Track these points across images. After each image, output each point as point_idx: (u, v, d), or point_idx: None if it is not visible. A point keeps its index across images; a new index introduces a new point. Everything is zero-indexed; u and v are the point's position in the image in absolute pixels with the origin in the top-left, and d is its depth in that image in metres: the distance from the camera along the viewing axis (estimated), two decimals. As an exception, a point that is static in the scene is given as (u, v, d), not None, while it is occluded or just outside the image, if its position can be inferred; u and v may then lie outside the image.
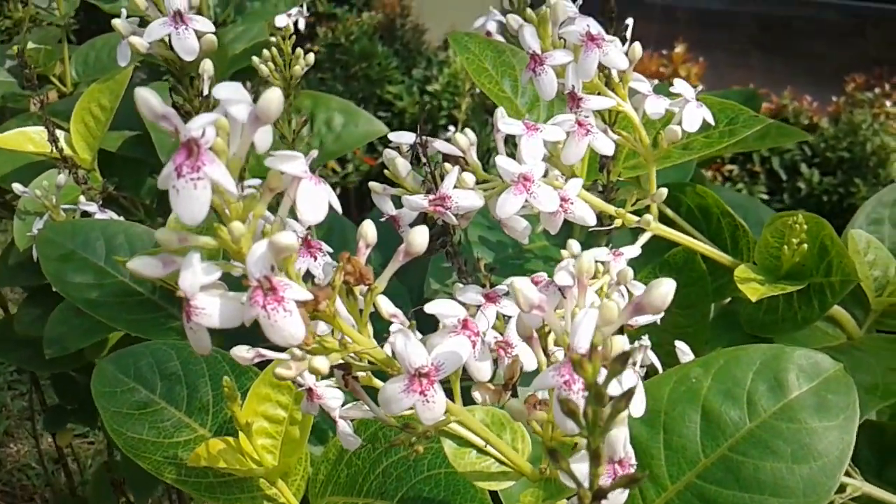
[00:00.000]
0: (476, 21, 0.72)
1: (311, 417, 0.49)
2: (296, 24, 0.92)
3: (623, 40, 0.48)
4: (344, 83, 2.69)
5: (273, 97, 0.25)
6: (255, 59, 0.54)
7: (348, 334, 0.30)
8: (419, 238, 0.30)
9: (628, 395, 0.21)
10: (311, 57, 0.56)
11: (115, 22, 0.46)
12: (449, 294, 0.54)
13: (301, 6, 0.90)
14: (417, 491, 0.44)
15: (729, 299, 0.59)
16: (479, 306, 0.42)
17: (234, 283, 0.29)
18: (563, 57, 0.45)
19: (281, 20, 0.88)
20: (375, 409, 0.33)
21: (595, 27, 0.45)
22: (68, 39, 0.97)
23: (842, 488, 0.52)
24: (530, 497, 0.36)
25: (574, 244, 0.48)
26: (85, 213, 0.65)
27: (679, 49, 2.09)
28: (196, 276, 0.27)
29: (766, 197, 2.03)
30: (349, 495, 0.47)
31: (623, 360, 0.20)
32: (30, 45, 0.93)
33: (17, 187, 0.67)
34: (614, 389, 0.24)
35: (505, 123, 0.42)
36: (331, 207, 0.29)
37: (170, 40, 0.45)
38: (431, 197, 0.42)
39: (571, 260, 0.28)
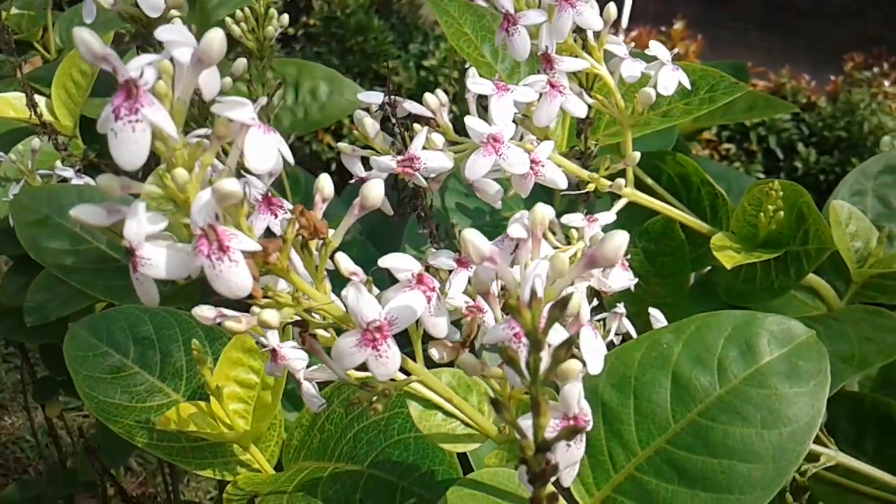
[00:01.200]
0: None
1: (282, 382, 0.48)
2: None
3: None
4: (340, 57, 2.67)
5: (216, 36, 0.24)
6: (227, 19, 0.53)
7: (303, 289, 0.29)
8: (374, 191, 0.29)
9: (567, 343, 0.20)
10: (286, 18, 0.55)
11: (80, -23, 0.45)
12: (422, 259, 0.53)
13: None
14: (387, 455, 0.43)
15: (708, 269, 0.59)
16: (450, 271, 0.41)
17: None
18: (536, 17, 0.44)
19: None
20: (334, 367, 0.32)
21: (570, -13, 0.44)
22: (54, 6, 0.96)
23: (816, 457, 0.51)
24: (494, 458, 0.36)
25: (546, 208, 0.47)
26: (62, 179, 0.65)
27: (678, 26, 2.07)
28: (141, 226, 0.26)
29: (762, 176, 2.02)
30: (321, 460, 0.47)
31: (561, 305, 0.20)
32: (13, 10, 0.92)
33: (-8, 152, 0.67)
34: (557, 339, 0.23)
35: (474, 83, 0.41)
36: (284, 161, 0.28)
37: (136, -3, 0.44)
38: (400, 158, 0.41)
39: (526, 213, 0.28)
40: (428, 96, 0.43)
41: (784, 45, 2.95)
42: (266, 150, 0.27)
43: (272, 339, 0.38)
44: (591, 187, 0.46)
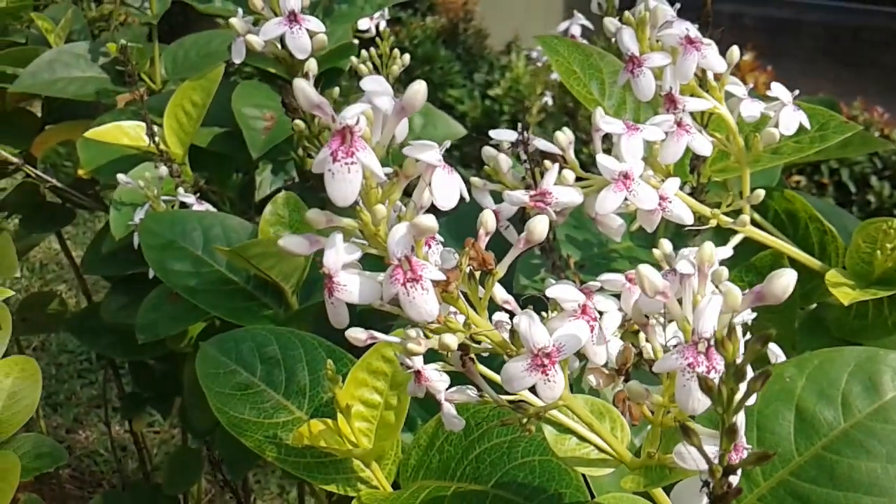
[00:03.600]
0: (560, 25, 0.73)
1: (406, 403, 0.50)
2: (377, 26, 0.95)
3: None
4: (406, 86, 2.72)
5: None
6: (353, 59, 0.57)
7: (468, 316, 0.32)
8: (540, 227, 0.31)
9: (764, 374, 0.22)
10: (407, 57, 0.58)
11: (233, 21, 0.49)
12: (538, 290, 0.55)
13: (383, 10, 0.93)
14: (512, 476, 0.45)
15: (815, 305, 0.60)
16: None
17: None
18: (661, 59, 0.46)
19: (364, 23, 0.91)
20: (488, 390, 0.34)
21: (693, 31, 0.46)
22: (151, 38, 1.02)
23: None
24: (631, 483, 0.37)
25: (666, 243, 0.49)
26: (183, 205, 0.68)
27: (747, 57, 2.07)
28: (339, 255, 0.29)
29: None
30: (441, 479, 0.49)
31: (764, 341, 0.21)
32: (122, 42, 0.97)
33: (121, 178, 0.71)
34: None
35: (606, 122, 0.43)
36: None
37: (282, 39, 0.47)
38: (532, 192, 0.43)
39: (692, 250, 0.30)
40: (559, 135, 0.45)
41: (854, 76, 2.91)
42: (451, 189, 0.29)
43: (417, 361, 0.40)
44: (712, 223, 0.48)
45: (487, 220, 0.33)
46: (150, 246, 0.64)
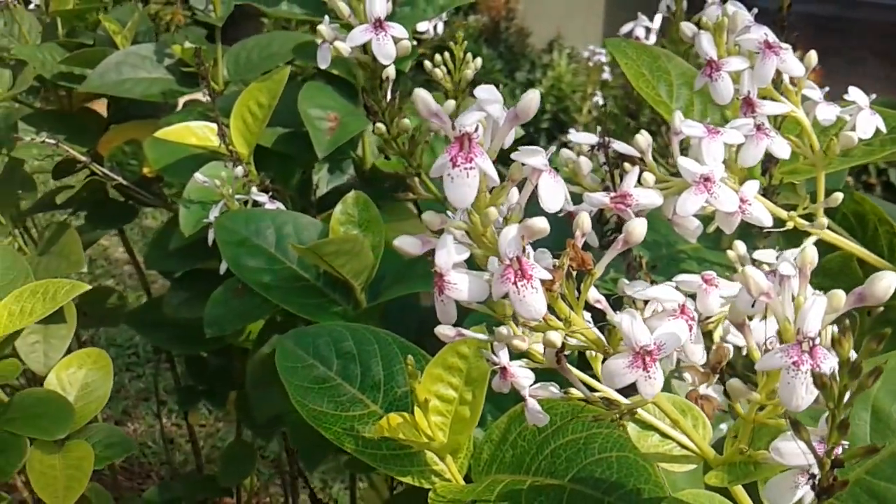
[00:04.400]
0: (623, 27, 0.74)
1: (481, 399, 0.52)
2: (434, 27, 0.96)
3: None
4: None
5: (533, 97, 0.28)
6: (427, 63, 0.58)
7: (567, 315, 0.33)
8: (639, 229, 0.32)
9: (876, 371, 0.23)
10: (479, 61, 0.59)
11: (321, 28, 0.50)
12: (607, 289, 0.56)
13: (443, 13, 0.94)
14: (589, 472, 0.46)
15: (881, 308, 0.60)
16: (646, 301, 0.44)
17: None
18: (739, 63, 0.47)
19: (423, 25, 0.92)
20: (580, 386, 0.35)
21: (772, 36, 0.47)
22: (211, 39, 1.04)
23: None
24: (715, 478, 0.38)
25: (740, 245, 0.50)
26: (255, 203, 0.71)
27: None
28: (450, 255, 0.30)
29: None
30: (516, 473, 0.50)
31: (879, 340, 0.22)
32: (186, 44, 1.00)
33: (198, 177, 0.73)
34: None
35: (688, 126, 0.44)
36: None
37: (364, 46, 0.49)
38: (613, 195, 0.44)
39: (792, 252, 0.31)
40: (638, 137, 0.46)
41: (902, 75, 2.87)
42: (556, 193, 0.30)
43: (503, 357, 0.41)
44: (789, 225, 0.49)
45: (584, 222, 0.34)
46: (226, 242, 0.66)
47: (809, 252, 0.30)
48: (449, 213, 0.36)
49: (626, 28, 0.73)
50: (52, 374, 0.79)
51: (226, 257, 0.66)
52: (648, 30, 0.73)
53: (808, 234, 0.51)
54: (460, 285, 0.30)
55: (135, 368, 2.26)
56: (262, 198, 0.70)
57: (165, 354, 1.31)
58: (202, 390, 1.25)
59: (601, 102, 1.22)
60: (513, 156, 0.30)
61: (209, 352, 1.17)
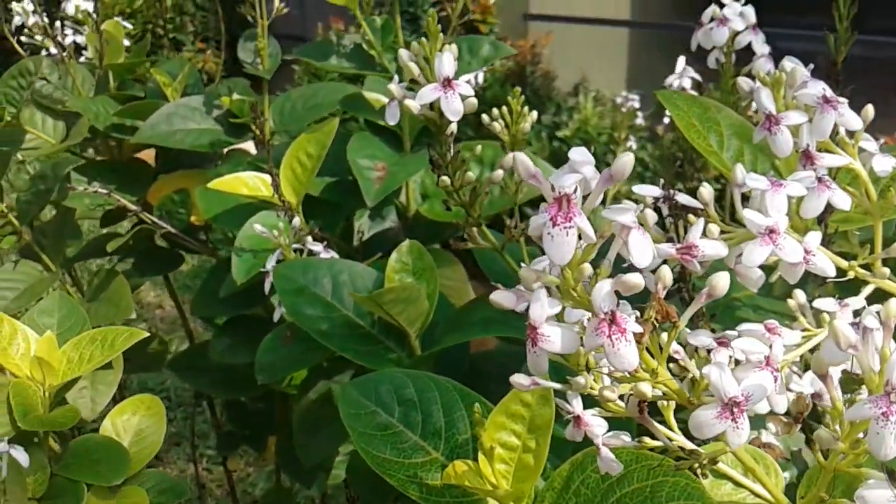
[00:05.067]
0: (668, 78, 0.76)
1: (546, 447, 0.52)
2: (476, 76, 0.99)
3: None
4: (475, 129, 2.78)
5: (628, 161, 0.30)
6: (485, 117, 0.60)
7: (652, 366, 0.34)
8: (722, 283, 0.34)
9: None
10: (535, 114, 0.61)
11: (391, 86, 0.52)
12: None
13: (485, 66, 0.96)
14: (657, 520, 0.47)
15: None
16: (709, 350, 0.45)
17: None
18: (798, 118, 0.49)
19: (466, 76, 0.95)
20: (660, 436, 0.36)
21: (829, 91, 0.49)
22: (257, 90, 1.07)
23: None
24: (790, 528, 0.39)
25: (800, 293, 0.51)
26: (311, 252, 0.72)
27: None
28: (544, 308, 0.31)
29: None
30: (581, 521, 0.50)
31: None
32: (235, 96, 1.03)
33: (257, 227, 0.75)
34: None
35: (751, 179, 0.45)
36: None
37: (432, 103, 0.51)
38: (679, 245, 0.45)
39: (878, 306, 0.32)
40: (702, 190, 0.47)
41: (929, 117, 2.87)
42: (645, 249, 0.32)
43: (577, 406, 0.42)
44: (850, 275, 0.49)
45: (665, 275, 0.35)
46: (285, 291, 0.68)
47: (893, 306, 0.31)
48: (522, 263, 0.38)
49: (671, 80, 0.75)
50: (106, 421, 0.80)
51: (285, 305, 0.67)
52: (694, 80, 0.75)
53: (865, 283, 0.52)
54: (553, 338, 0.31)
55: (167, 413, 2.27)
56: (318, 247, 0.72)
57: (207, 400, 1.32)
58: (244, 435, 1.26)
59: (634, 147, 1.24)
60: (603, 213, 0.32)
61: (252, 397, 1.18)
